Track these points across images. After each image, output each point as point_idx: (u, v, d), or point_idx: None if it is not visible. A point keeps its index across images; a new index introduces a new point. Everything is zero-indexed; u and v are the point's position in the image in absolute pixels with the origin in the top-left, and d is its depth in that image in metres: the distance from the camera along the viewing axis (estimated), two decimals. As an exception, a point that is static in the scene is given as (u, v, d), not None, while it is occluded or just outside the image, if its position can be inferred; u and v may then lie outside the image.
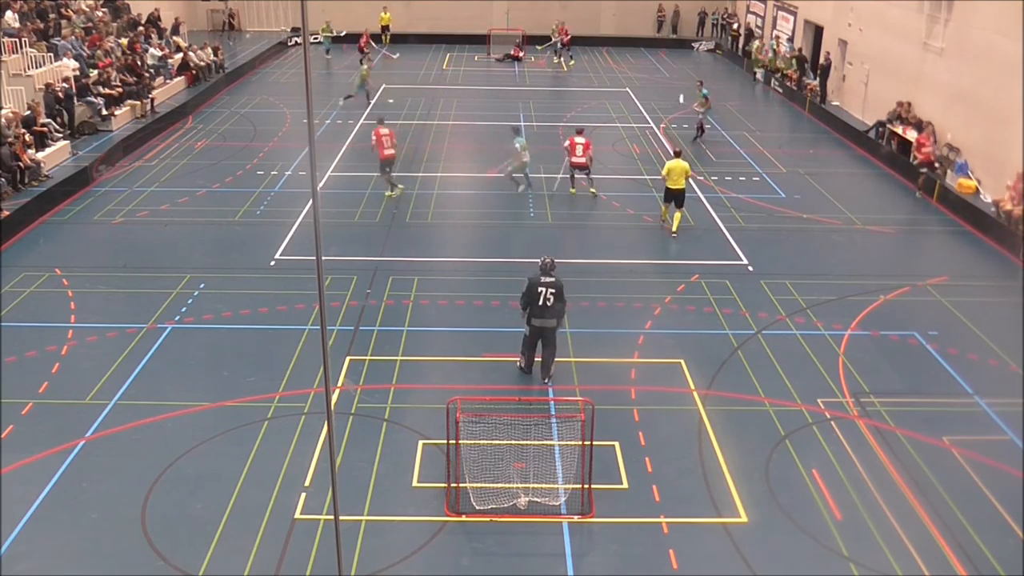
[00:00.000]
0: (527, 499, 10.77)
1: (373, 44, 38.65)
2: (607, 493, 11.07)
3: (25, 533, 10.24)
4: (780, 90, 35.32)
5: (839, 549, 10.27)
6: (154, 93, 29.92)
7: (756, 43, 40.31)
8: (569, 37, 40.74)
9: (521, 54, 41.88)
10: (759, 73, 37.81)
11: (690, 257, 18.45)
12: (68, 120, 25.53)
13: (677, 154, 19.68)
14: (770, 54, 37.60)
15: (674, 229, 19.34)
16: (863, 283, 17.29)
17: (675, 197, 19.37)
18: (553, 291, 13.00)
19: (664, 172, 19.42)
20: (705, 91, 27.37)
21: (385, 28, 44.43)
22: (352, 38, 43.50)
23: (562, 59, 40.70)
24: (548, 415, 12.75)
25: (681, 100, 30.24)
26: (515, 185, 21.86)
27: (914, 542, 10.38)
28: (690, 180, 23.54)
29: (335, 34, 40.91)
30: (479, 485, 10.86)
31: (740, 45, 43.07)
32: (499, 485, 10.86)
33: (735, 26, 44.87)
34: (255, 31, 45.64)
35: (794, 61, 35.46)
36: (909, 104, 26.35)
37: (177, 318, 15.39)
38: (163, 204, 21.00)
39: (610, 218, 20.87)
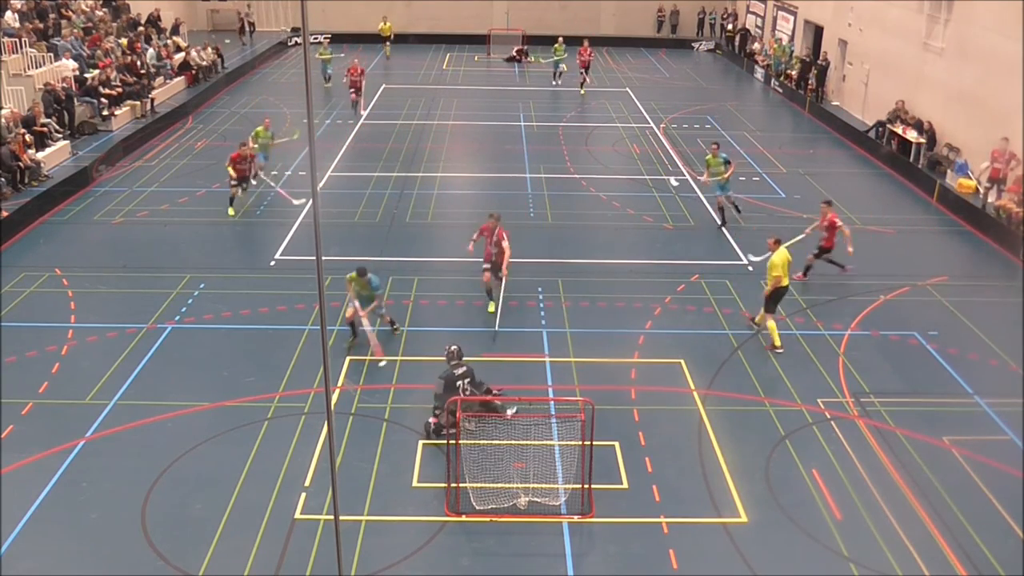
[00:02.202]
0: (527, 499, 10.77)
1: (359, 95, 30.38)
2: (607, 493, 11.07)
3: (25, 533, 10.25)
4: (780, 90, 35.32)
5: (839, 549, 10.27)
6: (154, 93, 29.93)
7: (757, 45, 40.36)
8: (591, 58, 35.14)
9: (530, 59, 41.20)
10: (760, 73, 37.68)
11: (690, 257, 18.44)
12: (68, 120, 25.53)
13: (778, 243, 14.81)
14: (774, 47, 37.58)
15: (778, 344, 14.65)
16: (863, 283, 17.28)
17: (781, 297, 14.91)
18: (469, 379, 12.18)
19: (780, 270, 14.45)
20: (724, 155, 20.32)
21: (386, 39, 41.28)
22: (352, 38, 43.41)
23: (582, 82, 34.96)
24: (548, 415, 12.74)
25: (674, 183, 22.88)
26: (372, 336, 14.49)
27: (914, 542, 10.38)
28: (689, 180, 23.70)
29: (331, 56, 34.81)
30: (479, 485, 10.86)
31: (736, 45, 43.09)
32: (499, 485, 10.86)
33: (729, 27, 44.87)
34: (255, 31, 45.51)
35: (796, 61, 35.50)
36: (903, 103, 26.35)
37: (177, 318, 15.39)
38: (163, 204, 21.00)
39: (610, 218, 20.86)
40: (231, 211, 20.53)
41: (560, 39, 36.11)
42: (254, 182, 21.43)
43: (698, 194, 22.40)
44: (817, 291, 16.86)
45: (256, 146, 21.78)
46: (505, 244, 15.40)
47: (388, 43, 41.31)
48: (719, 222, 20.12)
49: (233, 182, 20.57)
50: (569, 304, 16.15)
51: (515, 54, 41.46)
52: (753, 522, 10.66)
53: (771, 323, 14.66)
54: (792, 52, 36.33)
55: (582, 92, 34.31)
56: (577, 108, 32.07)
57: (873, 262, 18.45)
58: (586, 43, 35.51)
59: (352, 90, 30.11)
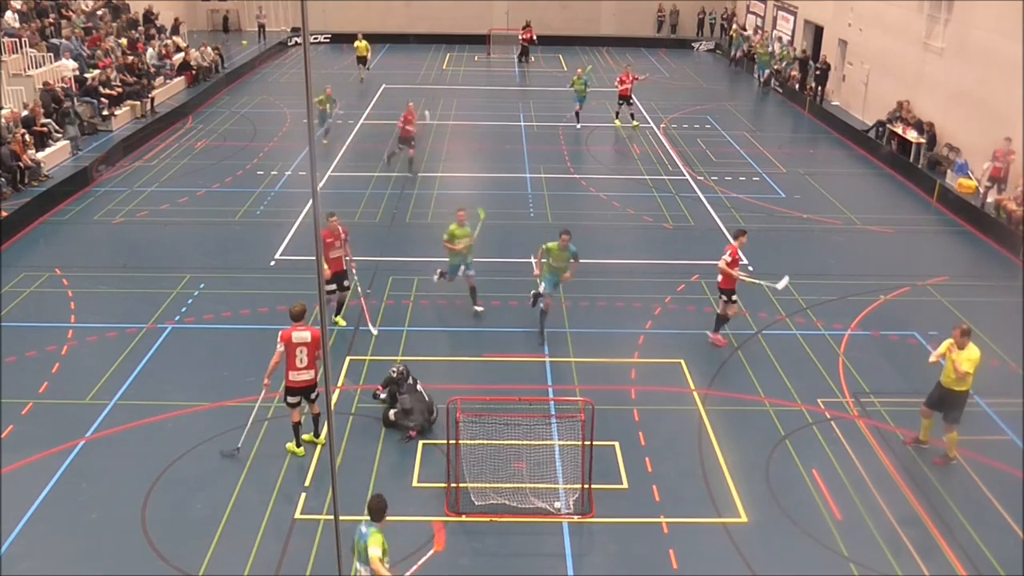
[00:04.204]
0: (560, 504, 10.78)
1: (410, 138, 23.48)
2: (607, 493, 11.06)
3: (25, 533, 10.24)
4: (780, 90, 35.31)
5: (839, 549, 10.27)
6: (154, 93, 29.94)
7: (744, 42, 40.19)
8: (631, 84, 28.47)
9: (533, 37, 40.27)
10: (761, 72, 37.28)
11: (690, 257, 18.44)
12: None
13: (967, 334, 11.31)
14: (759, 49, 37.35)
15: (953, 455, 11.92)
16: (863, 283, 17.28)
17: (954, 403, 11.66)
18: (417, 383, 12.45)
19: (971, 367, 11.24)
20: (574, 248, 14.55)
21: (362, 59, 35.68)
22: (353, 38, 43.39)
23: (619, 115, 29.13)
24: (548, 415, 12.74)
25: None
26: None
27: (914, 542, 10.38)
28: (690, 179, 23.67)
29: (333, 105, 25.98)
30: (480, 485, 10.86)
31: (729, 45, 43.08)
32: (505, 485, 10.86)
33: (732, 28, 44.79)
34: (255, 31, 45.53)
35: (793, 60, 35.44)
36: (907, 103, 26.34)
37: (177, 318, 15.39)
38: (163, 204, 21.00)
39: (610, 218, 20.87)
40: (339, 319, 15.27)
41: (580, 70, 28.72)
42: (355, 275, 15.31)
43: (698, 194, 22.41)
44: (817, 291, 16.86)
45: (461, 247, 15.45)
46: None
47: (364, 66, 35.88)
48: (534, 304, 14.99)
49: (329, 286, 14.72)
50: (569, 304, 16.15)
51: (523, 41, 40.51)
52: (753, 522, 10.66)
53: (955, 433, 11.73)
54: (776, 53, 35.82)
55: (634, 124, 28.65)
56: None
57: (873, 262, 18.45)
58: (628, 69, 29.33)
59: (408, 145, 23.48)
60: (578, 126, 28.39)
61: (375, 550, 8.04)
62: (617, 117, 29.16)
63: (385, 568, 8.04)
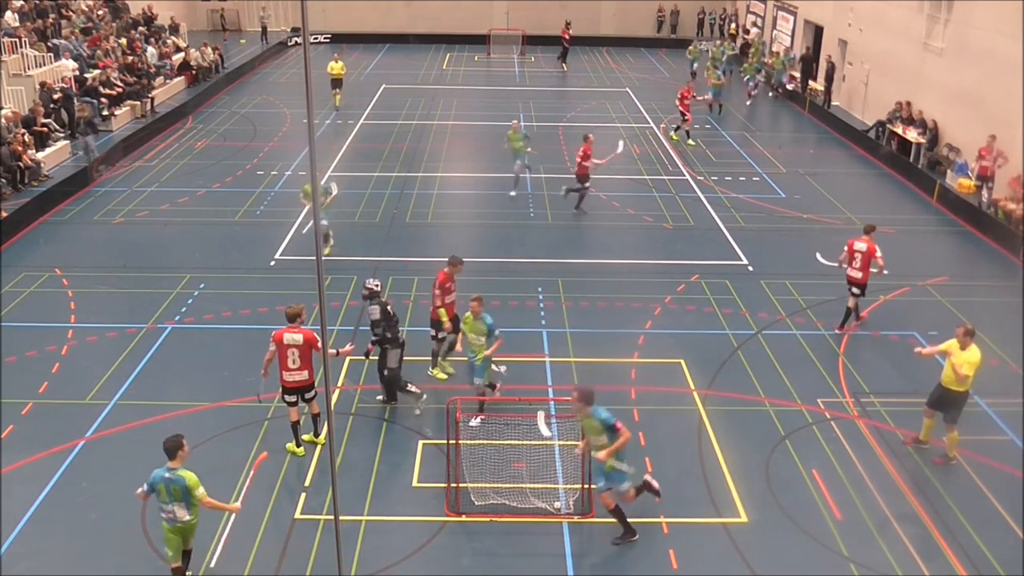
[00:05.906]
0: (560, 504, 10.80)
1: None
2: (607, 493, 11.06)
3: (25, 533, 10.24)
4: (779, 91, 35.27)
5: (839, 549, 10.27)
6: (154, 93, 29.94)
7: (697, 59, 38.07)
8: (691, 101, 27.22)
9: (568, 35, 40.02)
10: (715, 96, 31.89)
11: (690, 257, 18.45)
12: (68, 120, 25.53)
13: (970, 334, 11.44)
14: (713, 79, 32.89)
15: (953, 455, 11.94)
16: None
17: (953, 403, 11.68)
18: (391, 305, 12.67)
19: (972, 371, 11.30)
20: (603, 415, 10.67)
21: (337, 82, 30.63)
22: (353, 38, 43.39)
23: (678, 133, 27.71)
24: (548, 415, 12.71)
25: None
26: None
27: (914, 542, 10.38)
28: (690, 179, 23.63)
29: (329, 194, 18.19)
30: (480, 485, 10.86)
31: (738, 47, 43.02)
32: (505, 485, 10.86)
33: (732, 27, 44.80)
34: (255, 31, 45.57)
35: (758, 71, 34.91)
36: (909, 103, 26.36)
37: (177, 318, 15.39)
38: (163, 204, 21.00)
39: (610, 218, 20.86)
40: (437, 372, 13.68)
41: (515, 121, 22.48)
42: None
43: (698, 194, 22.41)
44: (817, 291, 16.86)
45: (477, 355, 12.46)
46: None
47: (339, 90, 30.86)
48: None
49: (443, 334, 13.52)
50: (569, 304, 16.15)
51: (565, 41, 39.95)
52: (753, 522, 10.65)
53: (956, 433, 11.74)
54: (722, 70, 33.23)
55: (674, 137, 27.69)
56: (578, 108, 32.07)
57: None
58: (689, 85, 28.04)
59: (583, 183, 20.77)
60: (512, 194, 22.01)
61: (201, 489, 8.76)
62: (675, 131, 27.74)
63: (215, 500, 8.96)
